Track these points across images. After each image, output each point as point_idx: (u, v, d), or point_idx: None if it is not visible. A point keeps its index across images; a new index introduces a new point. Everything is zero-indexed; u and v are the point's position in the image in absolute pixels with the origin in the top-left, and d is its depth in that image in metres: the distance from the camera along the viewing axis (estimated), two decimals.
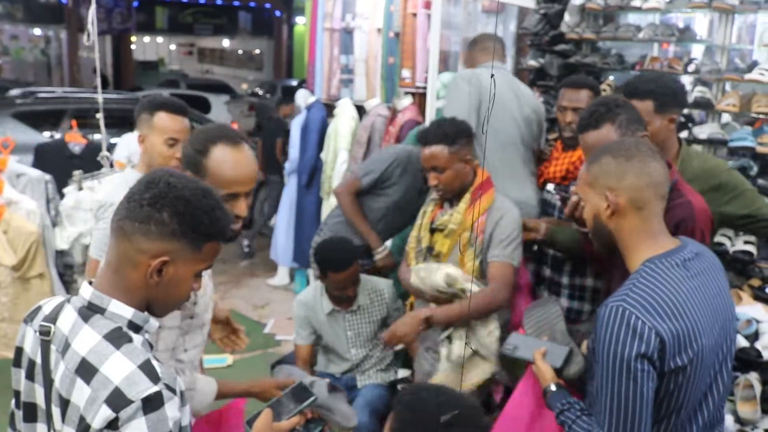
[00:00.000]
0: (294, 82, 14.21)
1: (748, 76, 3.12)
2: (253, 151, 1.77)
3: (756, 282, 2.91)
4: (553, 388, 1.77)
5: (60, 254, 3.98)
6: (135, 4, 17.73)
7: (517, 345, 1.95)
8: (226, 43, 23.72)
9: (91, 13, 3.02)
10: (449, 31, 4.63)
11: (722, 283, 1.68)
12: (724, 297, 1.66)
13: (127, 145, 4.81)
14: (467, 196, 2.58)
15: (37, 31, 17.19)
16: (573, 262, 2.80)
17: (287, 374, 2.21)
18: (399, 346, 2.53)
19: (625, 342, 1.47)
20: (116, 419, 1.15)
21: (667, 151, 2.38)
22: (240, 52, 23.75)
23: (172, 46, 24.36)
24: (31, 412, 1.33)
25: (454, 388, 1.37)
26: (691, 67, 3.37)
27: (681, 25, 3.81)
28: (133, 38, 19.30)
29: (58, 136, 4.66)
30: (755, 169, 3.10)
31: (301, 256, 5.34)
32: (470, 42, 3.48)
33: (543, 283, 2.94)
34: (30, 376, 1.32)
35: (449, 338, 2.47)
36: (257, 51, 22.85)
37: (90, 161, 4.12)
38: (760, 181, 3.01)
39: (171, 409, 1.19)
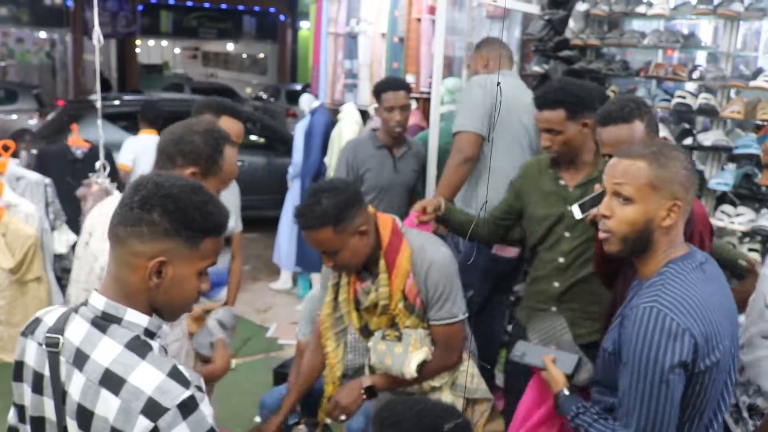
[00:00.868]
0: (298, 87, 14.21)
1: (753, 83, 3.12)
2: None
3: None
4: (566, 392, 1.76)
5: (58, 258, 3.99)
6: (140, 7, 17.79)
7: (525, 352, 1.94)
8: (230, 47, 23.77)
9: (95, 15, 3.05)
10: (453, 36, 4.64)
11: (728, 288, 1.70)
12: (731, 301, 1.67)
13: (132, 148, 4.82)
14: (382, 263, 2.17)
15: (43, 35, 17.23)
16: None
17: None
18: (342, 417, 2.24)
19: (664, 347, 1.47)
20: (156, 428, 1.16)
21: (585, 155, 2.45)
22: (244, 56, 23.79)
23: (177, 50, 24.41)
24: (40, 426, 1.32)
25: (426, 398, 1.35)
26: (695, 74, 3.37)
27: (685, 31, 3.80)
28: (138, 42, 19.35)
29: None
30: (759, 176, 3.08)
31: (304, 260, 5.34)
32: (477, 45, 3.49)
33: None
34: (37, 390, 1.31)
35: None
36: (261, 55, 22.90)
37: (92, 165, 4.13)
38: (765, 189, 3.00)
39: (205, 407, 1.22)
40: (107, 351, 1.23)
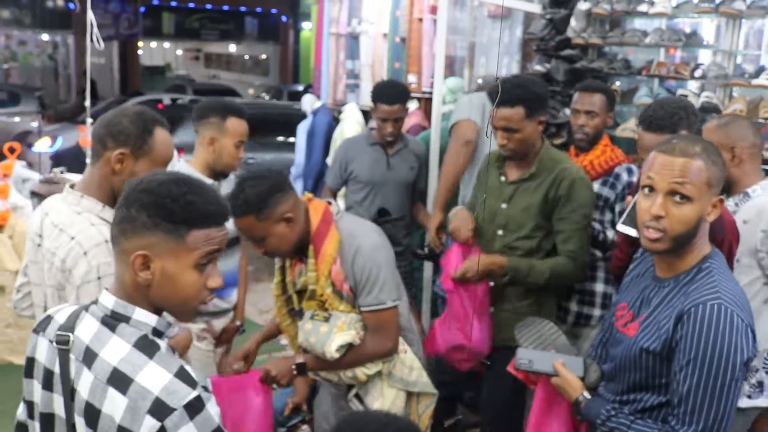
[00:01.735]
0: (300, 87, 14.23)
1: (755, 82, 3.12)
2: None
3: None
4: (588, 396, 1.73)
5: None
6: (142, 9, 17.83)
7: (532, 359, 1.87)
8: (232, 48, 23.79)
9: (90, 17, 3.07)
10: (455, 36, 4.64)
11: None
12: None
13: None
14: (310, 248, 2.17)
15: (45, 37, 17.30)
16: None
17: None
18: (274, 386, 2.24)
19: (735, 345, 1.49)
20: (162, 428, 1.17)
21: (535, 150, 2.49)
22: (246, 57, 23.81)
23: (179, 52, 24.45)
24: (49, 422, 1.33)
25: (392, 413, 1.30)
26: (697, 73, 3.36)
27: (687, 30, 3.79)
28: (140, 43, 19.40)
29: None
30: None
31: None
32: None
33: None
34: (48, 386, 1.32)
35: (358, 397, 2.28)
36: (263, 56, 22.91)
37: None
38: None
39: (212, 407, 1.23)
40: (116, 350, 1.24)
